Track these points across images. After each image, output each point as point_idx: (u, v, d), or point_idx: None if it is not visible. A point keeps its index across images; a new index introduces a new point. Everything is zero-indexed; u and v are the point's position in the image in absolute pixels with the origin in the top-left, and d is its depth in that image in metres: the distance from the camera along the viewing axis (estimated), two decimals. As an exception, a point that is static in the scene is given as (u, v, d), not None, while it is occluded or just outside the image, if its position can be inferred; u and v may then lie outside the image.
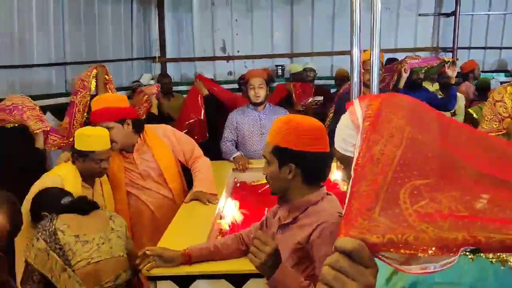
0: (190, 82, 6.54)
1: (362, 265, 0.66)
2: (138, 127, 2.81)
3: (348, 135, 1.04)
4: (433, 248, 0.64)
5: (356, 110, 0.97)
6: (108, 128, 2.64)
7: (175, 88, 6.05)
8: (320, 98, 5.06)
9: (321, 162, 1.69)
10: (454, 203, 0.68)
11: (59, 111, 3.77)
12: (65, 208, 2.15)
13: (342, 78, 5.51)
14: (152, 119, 4.30)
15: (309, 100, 4.98)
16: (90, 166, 2.51)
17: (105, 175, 2.73)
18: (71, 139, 3.56)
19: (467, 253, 0.66)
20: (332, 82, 5.99)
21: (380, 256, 0.68)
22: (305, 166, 1.67)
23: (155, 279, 1.96)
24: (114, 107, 2.73)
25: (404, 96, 0.97)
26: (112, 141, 2.63)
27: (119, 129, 2.70)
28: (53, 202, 2.20)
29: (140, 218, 2.88)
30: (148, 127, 2.94)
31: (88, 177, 2.59)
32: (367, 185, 0.73)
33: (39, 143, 3.46)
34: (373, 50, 2.17)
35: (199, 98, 5.13)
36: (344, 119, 1.06)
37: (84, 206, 2.18)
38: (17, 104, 3.43)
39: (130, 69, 6.12)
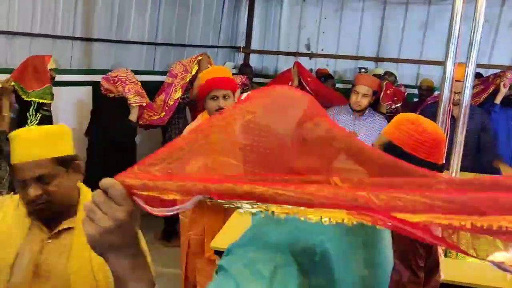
0: (270, 76, 6.61)
1: (115, 201, 0.75)
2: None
3: None
4: (175, 193, 0.72)
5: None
6: (226, 97, 2.61)
7: (254, 80, 6.13)
8: (399, 104, 4.89)
9: None
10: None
11: (144, 88, 3.99)
12: None
13: (428, 89, 5.31)
14: None
15: (396, 105, 4.78)
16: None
17: None
18: (162, 114, 3.80)
19: (207, 200, 0.71)
20: (415, 91, 5.79)
21: (136, 199, 0.75)
22: None
23: (220, 254, 2.01)
24: (231, 78, 2.73)
25: (288, 89, 0.90)
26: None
27: (232, 99, 2.66)
28: None
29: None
30: None
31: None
32: (170, 146, 0.80)
33: (133, 116, 3.70)
34: (469, 65, 2.08)
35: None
36: None
37: None
38: (122, 77, 3.72)
39: (215, 56, 6.28)
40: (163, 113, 3.85)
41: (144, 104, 3.75)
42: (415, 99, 5.58)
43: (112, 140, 3.63)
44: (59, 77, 3.78)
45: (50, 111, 3.57)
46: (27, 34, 3.82)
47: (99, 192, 0.77)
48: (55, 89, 3.61)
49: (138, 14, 4.88)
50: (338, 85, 5.97)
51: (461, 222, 0.62)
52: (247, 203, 0.69)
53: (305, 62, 6.61)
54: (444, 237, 0.66)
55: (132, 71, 4.00)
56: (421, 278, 1.54)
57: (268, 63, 6.88)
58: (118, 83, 3.67)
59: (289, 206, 0.67)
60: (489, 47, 5.98)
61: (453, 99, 2.31)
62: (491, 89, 4.23)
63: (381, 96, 4.72)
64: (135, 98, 3.68)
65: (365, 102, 3.58)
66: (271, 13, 6.77)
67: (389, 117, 4.44)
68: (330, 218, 0.67)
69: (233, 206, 0.71)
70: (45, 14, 3.92)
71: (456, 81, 2.32)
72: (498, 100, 4.13)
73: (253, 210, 0.69)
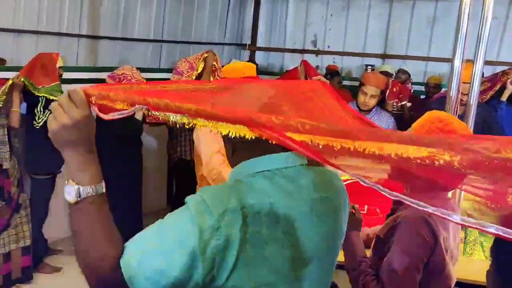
0: (276, 73, 6.59)
1: (75, 104, 0.93)
2: None
3: None
4: (122, 103, 0.93)
5: None
6: None
7: (260, 77, 6.11)
8: (409, 104, 4.84)
9: None
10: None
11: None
12: None
13: (435, 86, 5.27)
14: None
15: (402, 103, 4.74)
16: None
17: None
18: None
19: (145, 111, 0.92)
20: (422, 88, 5.75)
21: (92, 106, 0.95)
22: None
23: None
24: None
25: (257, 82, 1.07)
26: None
27: None
28: None
29: None
30: None
31: None
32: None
33: (138, 114, 3.70)
34: (477, 62, 2.05)
35: None
36: None
37: None
38: (127, 74, 3.71)
39: (221, 53, 6.27)
40: None
41: None
42: (422, 96, 5.54)
43: (117, 138, 3.65)
44: (65, 75, 3.79)
45: None
46: (33, 31, 3.83)
47: (64, 95, 0.95)
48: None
49: (143, 11, 4.88)
50: (345, 82, 5.95)
51: (334, 144, 0.79)
52: (176, 116, 0.89)
53: (312, 59, 6.59)
54: (318, 152, 0.82)
55: (138, 68, 4.00)
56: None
57: (274, 61, 6.87)
58: (123, 81, 3.67)
59: (208, 121, 0.87)
60: (497, 44, 5.93)
61: (461, 100, 2.29)
62: (498, 86, 4.20)
63: (386, 94, 4.69)
64: None
65: (373, 102, 3.57)
66: (277, 10, 6.75)
67: (395, 114, 4.43)
68: (235, 132, 0.86)
69: (164, 116, 0.91)
70: (51, 12, 3.93)
71: (463, 82, 2.29)
72: (504, 97, 4.10)
73: (180, 120, 0.90)
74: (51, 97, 3.43)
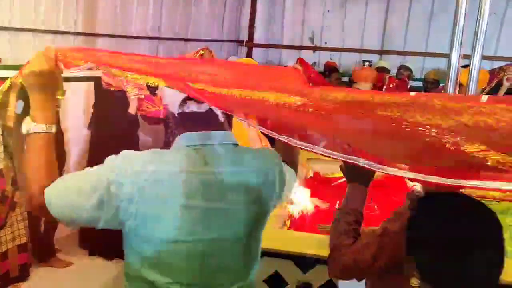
0: (274, 69, 6.58)
1: (44, 59, 1.17)
2: None
3: None
4: (82, 61, 1.16)
5: None
6: None
7: (258, 73, 6.09)
8: None
9: None
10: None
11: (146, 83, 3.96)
12: None
13: (433, 82, 5.26)
14: None
15: None
16: None
17: None
18: (161, 107, 3.81)
19: (94, 67, 1.22)
20: (420, 84, 5.74)
21: (59, 63, 1.19)
22: None
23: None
24: None
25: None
26: None
27: None
28: None
29: None
30: None
31: None
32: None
33: (132, 108, 3.70)
34: (474, 56, 2.03)
35: None
36: None
37: None
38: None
39: (219, 50, 6.25)
40: (162, 107, 3.86)
41: (143, 96, 3.76)
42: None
43: (112, 133, 3.64)
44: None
45: (59, 107, 3.55)
46: (29, 30, 3.81)
47: (41, 51, 1.18)
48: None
49: (140, 9, 4.86)
50: (344, 79, 5.93)
51: (221, 91, 1.01)
52: (114, 70, 1.13)
53: (309, 56, 6.58)
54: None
55: (135, 66, 3.97)
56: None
57: (272, 57, 6.85)
58: (116, 77, 3.69)
59: (138, 74, 1.10)
60: (494, 39, 5.92)
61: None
62: (494, 82, 4.20)
63: (383, 90, 4.66)
64: (133, 90, 3.69)
65: None
66: (274, 6, 6.72)
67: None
68: (153, 82, 1.09)
69: (112, 71, 1.14)
70: (47, 10, 3.91)
71: (461, 85, 2.27)
72: (500, 94, 4.09)
73: (115, 73, 1.15)
74: None
